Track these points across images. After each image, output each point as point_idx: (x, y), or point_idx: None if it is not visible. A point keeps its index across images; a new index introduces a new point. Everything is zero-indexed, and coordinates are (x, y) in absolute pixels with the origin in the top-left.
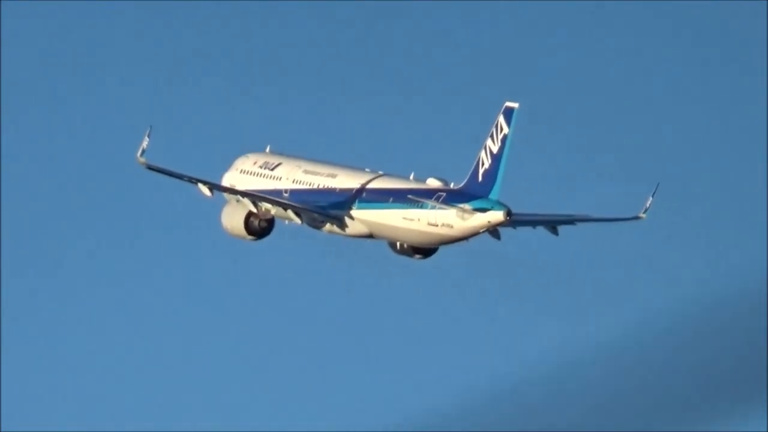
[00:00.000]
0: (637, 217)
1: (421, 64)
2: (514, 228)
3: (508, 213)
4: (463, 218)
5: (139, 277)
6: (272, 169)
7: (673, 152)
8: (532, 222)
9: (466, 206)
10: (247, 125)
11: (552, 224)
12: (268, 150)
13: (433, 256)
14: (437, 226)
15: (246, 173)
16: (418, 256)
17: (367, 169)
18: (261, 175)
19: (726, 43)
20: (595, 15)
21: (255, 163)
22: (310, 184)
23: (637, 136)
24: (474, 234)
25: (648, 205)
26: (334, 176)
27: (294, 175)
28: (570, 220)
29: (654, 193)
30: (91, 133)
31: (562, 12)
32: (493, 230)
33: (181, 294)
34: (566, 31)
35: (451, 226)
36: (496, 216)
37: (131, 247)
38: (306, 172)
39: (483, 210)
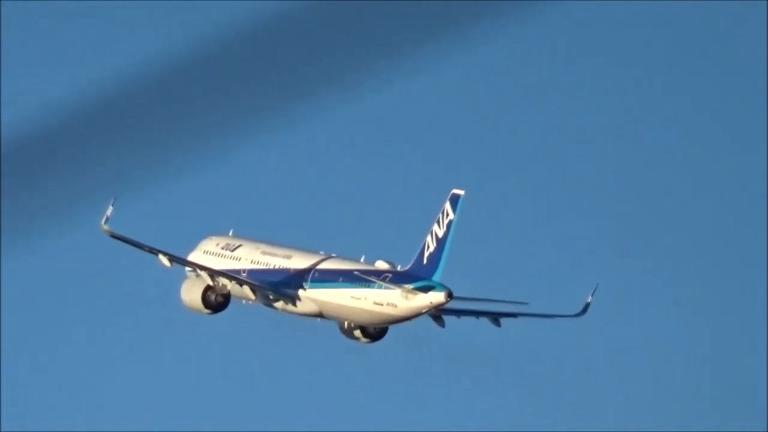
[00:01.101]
0: (577, 315)
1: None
2: (458, 317)
3: (449, 294)
4: (406, 298)
5: (96, 347)
6: (233, 251)
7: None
8: (476, 312)
9: (409, 287)
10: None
11: (494, 316)
12: (231, 233)
13: (381, 341)
14: (382, 305)
15: (209, 254)
16: (365, 340)
17: (321, 252)
18: (222, 255)
19: (726, 43)
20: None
21: (218, 245)
22: (266, 264)
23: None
24: (417, 314)
25: (588, 303)
26: (289, 257)
27: (252, 256)
28: (512, 314)
29: (593, 293)
30: None
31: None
32: (437, 317)
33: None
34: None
35: (395, 306)
36: (438, 297)
37: (90, 315)
38: (264, 253)
39: (425, 290)
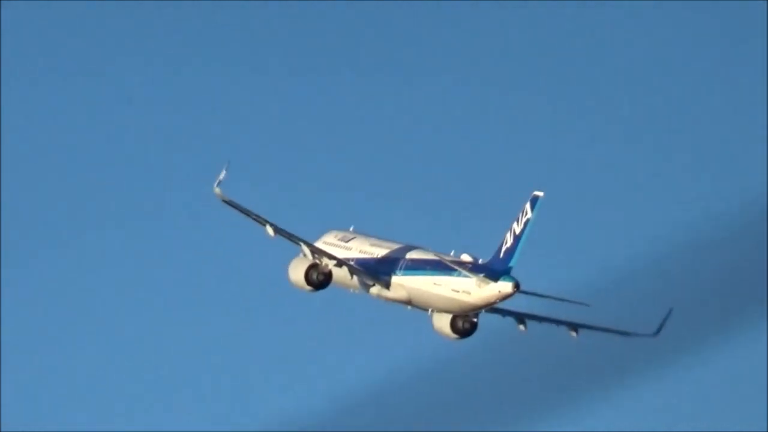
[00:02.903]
0: (650, 335)
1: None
2: (540, 322)
3: (516, 285)
4: (479, 287)
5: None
6: (347, 242)
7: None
8: (557, 321)
9: (482, 276)
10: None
11: (573, 326)
12: (351, 229)
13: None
14: (458, 292)
15: (327, 244)
16: (455, 336)
17: (419, 246)
18: (337, 246)
19: (726, 43)
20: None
21: (336, 237)
22: (371, 254)
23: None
24: (489, 303)
25: (662, 326)
26: (390, 249)
27: (361, 247)
28: (591, 327)
29: (668, 316)
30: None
31: None
32: (521, 320)
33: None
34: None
35: (469, 293)
36: (505, 287)
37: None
38: (371, 245)
39: (495, 280)
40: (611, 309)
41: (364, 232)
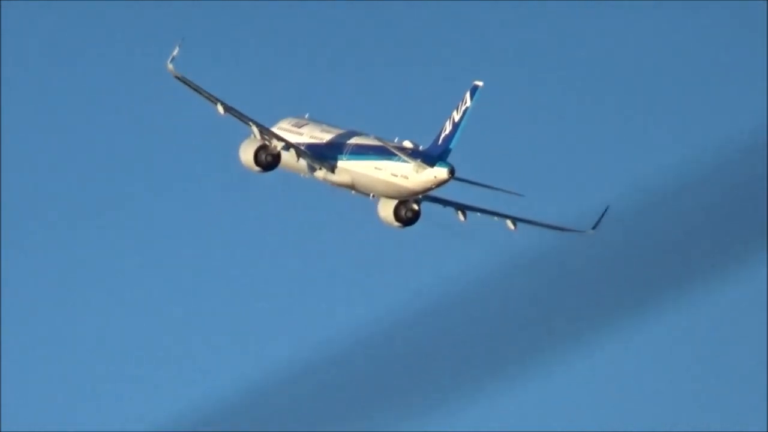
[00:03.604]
0: (584, 231)
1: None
2: (480, 214)
3: (451, 171)
4: (417, 171)
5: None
6: (300, 128)
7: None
8: (497, 214)
9: (420, 161)
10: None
11: (513, 219)
12: (306, 116)
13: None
14: (397, 176)
15: (282, 129)
16: (398, 224)
17: (366, 133)
18: (290, 131)
19: (726, 43)
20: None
21: (290, 123)
22: (320, 139)
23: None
24: (427, 188)
25: (599, 221)
26: (338, 134)
27: (312, 133)
28: (529, 221)
29: (604, 212)
30: None
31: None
32: (461, 210)
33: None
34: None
35: (407, 178)
36: (441, 172)
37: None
38: (322, 131)
39: (431, 165)
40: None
41: (318, 119)
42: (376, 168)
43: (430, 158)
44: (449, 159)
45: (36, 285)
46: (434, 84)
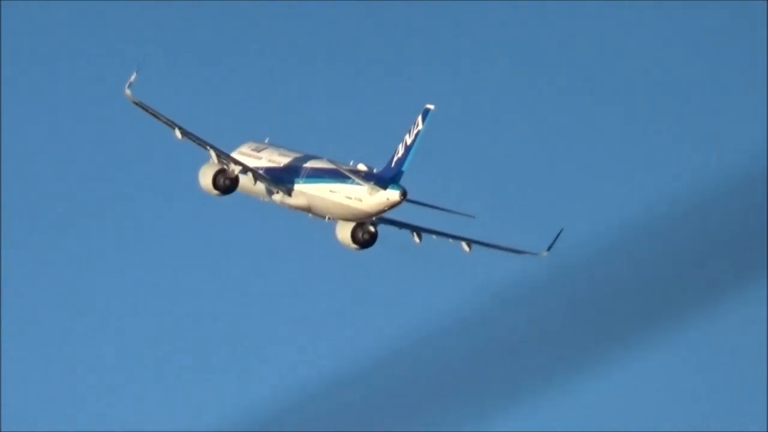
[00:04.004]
0: (538, 254)
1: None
2: (436, 237)
3: (404, 193)
4: (370, 194)
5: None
6: (259, 152)
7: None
8: (452, 236)
9: (373, 183)
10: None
11: (468, 241)
12: (267, 140)
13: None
14: (351, 199)
15: (242, 153)
16: (354, 246)
17: (320, 156)
18: (250, 155)
19: (726, 43)
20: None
21: (250, 147)
22: (278, 163)
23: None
24: (380, 210)
25: (552, 244)
26: (295, 158)
27: (270, 157)
28: (484, 243)
29: (558, 235)
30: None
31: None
32: (417, 233)
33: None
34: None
35: (361, 200)
36: (393, 194)
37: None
38: (280, 155)
39: (384, 188)
40: (499, 225)
41: (277, 143)
42: (330, 191)
43: (382, 181)
44: (402, 181)
45: (36, 285)
46: (390, 106)
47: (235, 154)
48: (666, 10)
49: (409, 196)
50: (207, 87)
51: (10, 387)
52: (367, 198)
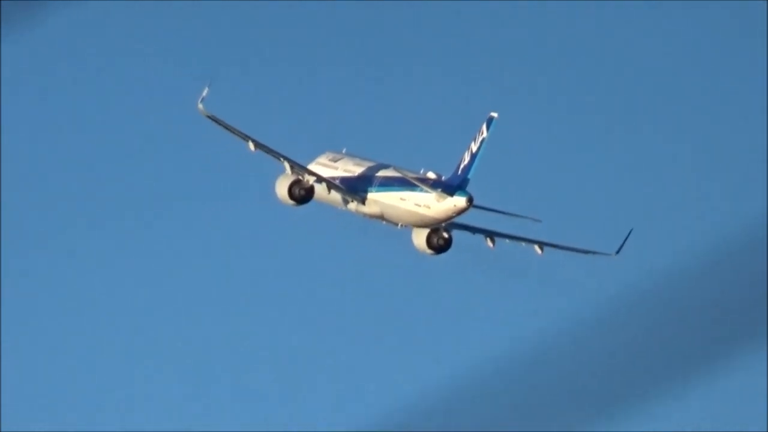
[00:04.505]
0: (609, 254)
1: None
2: (509, 240)
3: (470, 200)
4: (438, 201)
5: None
6: (335, 162)
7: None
8: (523, 239)
9: (440, 191)
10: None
11: (540, 244)
12: (344, 150)
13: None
14: (420, 206)
15: (319, 164)
16: (430, 251)
17: (391, 164)
18: (327, 165)
19: (726, 43)
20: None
21: (327, 158)
22: (353, 173)
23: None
24: (448, 217)
25: (623, 245)
26: (368, 167)
27: (346, 167)
28: (553, 245)
29: (628, 235)
30: None
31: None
32: (490, 237)
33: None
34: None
35: (429, 207)
36: (460, 201)
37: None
38: (355, 165)
39: (451, 195)
40: (568, 228)
41: (354, 153)
42: (401, 199)
43: (449, 188)
44: (468, 188)
45: (36, 285)
46: (457, 116)
47: (312, 165)
48: (666, 10)
49: (476, 202)
50: (271, 97)
51: (10, 387)
52: (435, 205)
